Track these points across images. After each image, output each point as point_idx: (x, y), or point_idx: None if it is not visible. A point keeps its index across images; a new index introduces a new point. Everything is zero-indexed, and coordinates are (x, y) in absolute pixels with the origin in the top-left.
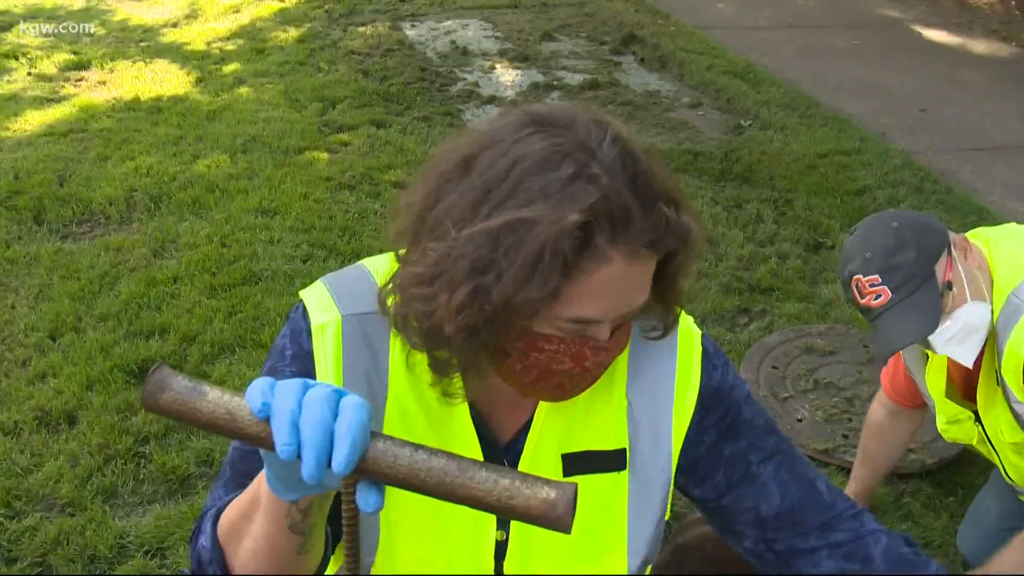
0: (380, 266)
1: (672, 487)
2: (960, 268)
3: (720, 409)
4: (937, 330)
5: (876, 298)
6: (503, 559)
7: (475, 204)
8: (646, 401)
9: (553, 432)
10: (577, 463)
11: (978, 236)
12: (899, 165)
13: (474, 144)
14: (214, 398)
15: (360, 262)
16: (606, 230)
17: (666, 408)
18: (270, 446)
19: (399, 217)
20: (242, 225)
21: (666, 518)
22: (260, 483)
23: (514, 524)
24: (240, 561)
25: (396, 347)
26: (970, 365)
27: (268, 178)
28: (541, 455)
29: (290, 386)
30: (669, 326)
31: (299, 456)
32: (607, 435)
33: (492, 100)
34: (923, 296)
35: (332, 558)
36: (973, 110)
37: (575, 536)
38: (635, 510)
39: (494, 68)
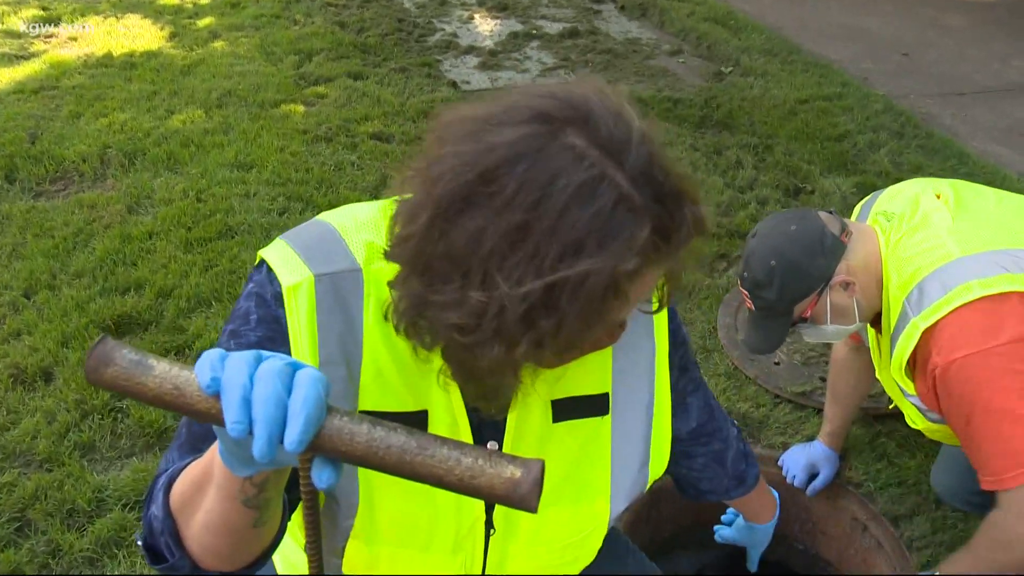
0: (345, 222)
1: (654, 431)
2: (828, 303)
3: (679, 349)
4: (802, 329)
5: (747, 302)
6: (492, 508)
7: (512, 243)
8: (627, 345)
9: (542, 381)
10: (564, 409)
11: (886, 231)
12: (880, 110)
13: (487, 157)
14: (161, 372)
15: (318, 218)
16: (653, 259)
17: (647, 352)
18: (221, 422)
19: (401, 226)
20: (218, 179)
21: (660, 464)
22: (213, 455)
23: None
24: (192, 533)
25: (370, 306)
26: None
27: (244, 132)
28: (530, 404)
29: (241, 359)
30: (664, 303)
31: (251, 433)
32: (592, 380)
33: (471, 50)
34: (773, 324)
35: (290, 525)
36: (956, 54)
37: (560, 481)
38: (617, 454)
39: (472, 18)
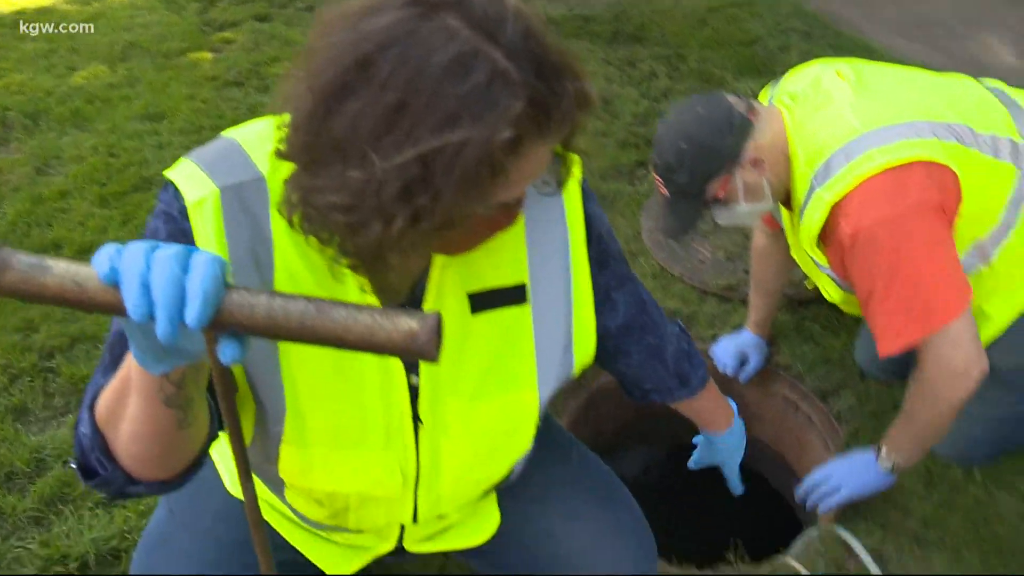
0: (248, 135)
1: (575, 315)
2: (739, 182)
3: (596, 244)
4: (716, 210)
5: (661, 187)
6: (416, 400)
7: (389, 122)
8: (540, 234)
9: (455, 273)
10: (482, 301)
11: (791, 109)
12: (789, 13)
13: (362, 44)
14: (60, 271)
15: (223, 134)
16: (533, 132)
17: (560, 239)
18: (123, 312)
19: (288, 123)
20: (128, 133)
21: (584, 348)
22: (129, 361)
23: (423, 366)
24: (121, 443)
25: (278, 215)
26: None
27: (150, 83)
28: (445, 297)
29: (138, 248)
30: (562, 182)
31: (153, 318)
32: (507, 272)
33: None
34: (687, 206)
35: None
36: None
37: (484, 372)
38: (540, 342)
39: None
